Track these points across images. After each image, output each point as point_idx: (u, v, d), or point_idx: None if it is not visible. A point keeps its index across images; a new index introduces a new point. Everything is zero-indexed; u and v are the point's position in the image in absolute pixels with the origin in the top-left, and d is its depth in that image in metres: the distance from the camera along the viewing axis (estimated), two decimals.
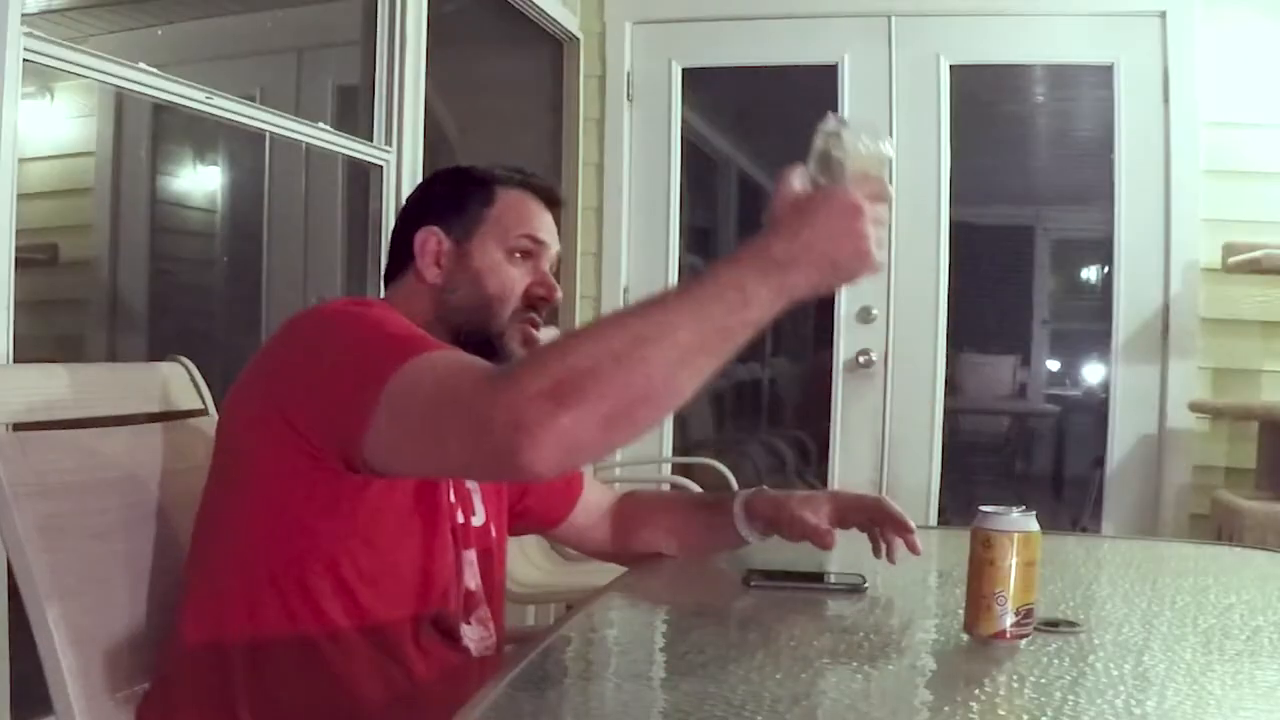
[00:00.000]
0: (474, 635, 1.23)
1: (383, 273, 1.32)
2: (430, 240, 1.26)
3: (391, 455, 0.97)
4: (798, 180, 0.90)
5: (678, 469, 3.47)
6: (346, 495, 1.06)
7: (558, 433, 0.81)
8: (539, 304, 1.26)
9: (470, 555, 1.24)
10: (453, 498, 1.21)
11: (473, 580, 1.24)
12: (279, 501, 1.07)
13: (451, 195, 1.29)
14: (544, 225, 1.29)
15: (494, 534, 1.30)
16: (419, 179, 2.71)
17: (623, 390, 0.82)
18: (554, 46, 3.50)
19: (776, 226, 0.88)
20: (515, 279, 1.25)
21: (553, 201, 1.32)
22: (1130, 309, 3.22)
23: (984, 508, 1.03)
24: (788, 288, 0.86)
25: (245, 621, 1.09)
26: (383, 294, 1.31)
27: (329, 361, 1.03)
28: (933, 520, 3.27)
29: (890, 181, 0.92)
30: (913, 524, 1.32)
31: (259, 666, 1.09)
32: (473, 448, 0.87)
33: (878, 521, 1.34)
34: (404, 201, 1.36)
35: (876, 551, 1.34)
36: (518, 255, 1.26)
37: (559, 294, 1.27)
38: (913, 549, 1.31)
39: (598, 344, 0.84)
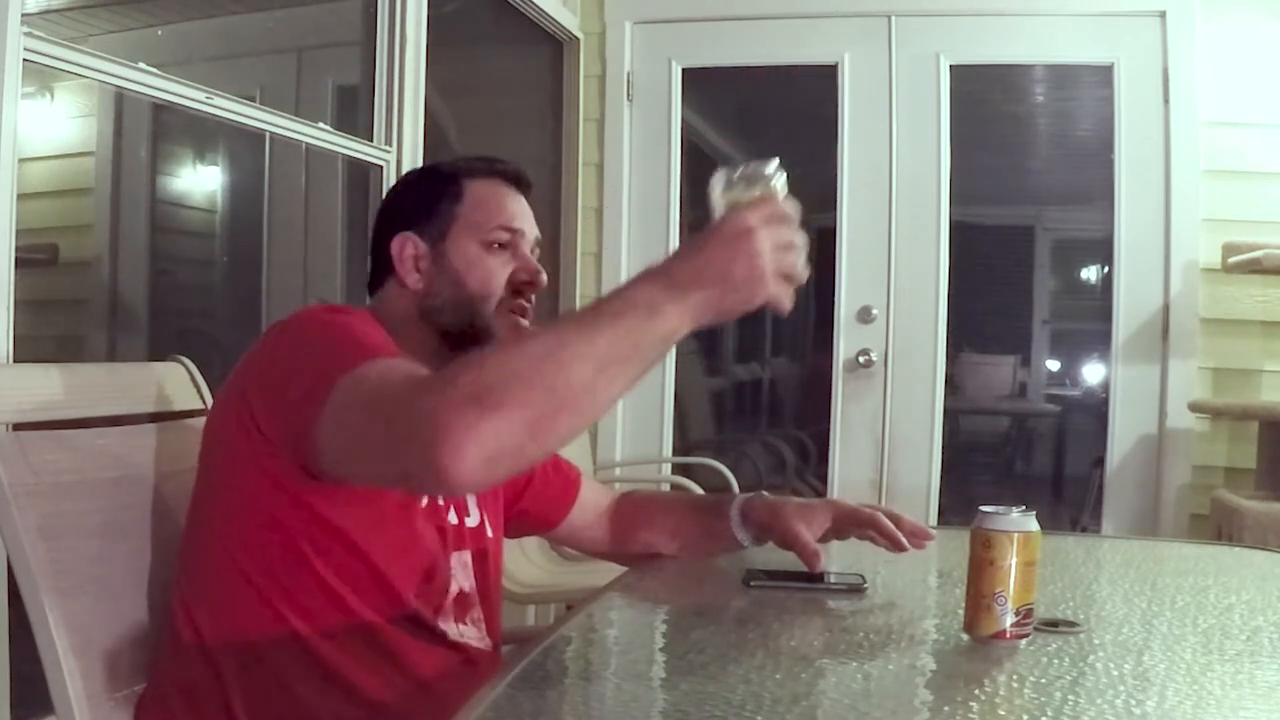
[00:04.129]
0: (469, 635, 1.23)
1: (367, 282, 1.31)
2: (407, 246, 1.25)
3: (337, 461, 0.99)
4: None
5: (678, 469, 3.47)
6: (314, 494, 1.07)
7: (478, 439, 0.82)
8: (525, 289, 1.26)
9: (464, 557, 1.24)
10: (441, 498, 1.21)
11: (466, 582, 1.24)
12: (252, 501, 1.08)
13: (421, 197, 1.28)
14: (517, 213, 1.28)
15: (489, 535, 1.30)
16: None
17: (544, 396, 0.84)
18: (554, 46, 3.50)
19: (680, 250, 0.92)
20: (496, 271, 1.25)
21: (522, 185, 1.31)
22: (1130, 309, 3.22)
23: (984, 508, 1.03)
24: (691, 305, 0.89)
25: (232, 621, 1.10)
26: (368, 301, 1.30)
27: (290, 365, 1.05)
28: (933, 520, 3.27)
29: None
30: (906, 542, 1.31)
31: (249, 665, 1.09)
32: (400, 454, 0.88)
33: (875, 534, 1.34)
34: (378, 209, 1.34)
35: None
36: (496, 246, 1.25)
37: (544, 277, 1.27)
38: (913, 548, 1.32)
39: (518, 352, 0.87)
